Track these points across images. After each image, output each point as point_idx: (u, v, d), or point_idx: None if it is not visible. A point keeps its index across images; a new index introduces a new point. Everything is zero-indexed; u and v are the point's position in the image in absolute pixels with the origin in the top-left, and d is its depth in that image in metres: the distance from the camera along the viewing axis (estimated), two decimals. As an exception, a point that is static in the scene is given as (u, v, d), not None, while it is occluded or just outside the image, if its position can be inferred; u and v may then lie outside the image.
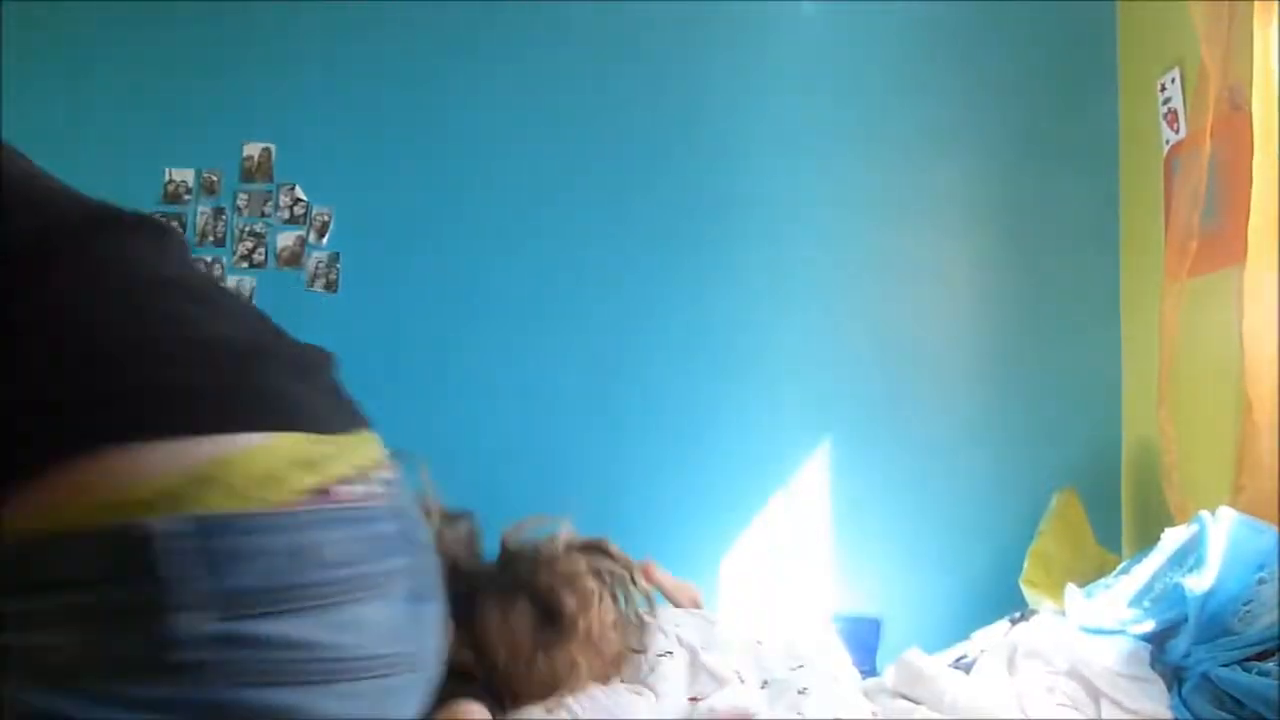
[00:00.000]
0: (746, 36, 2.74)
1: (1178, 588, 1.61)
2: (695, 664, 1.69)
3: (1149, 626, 1.63)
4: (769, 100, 2.72)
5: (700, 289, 2.67)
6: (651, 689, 1.61)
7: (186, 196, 2.72)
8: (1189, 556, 1.66)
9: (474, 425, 2.64)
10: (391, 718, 0.81)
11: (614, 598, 1.63)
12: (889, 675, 1.75)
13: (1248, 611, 1.53)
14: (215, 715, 0.71)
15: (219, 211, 2.72)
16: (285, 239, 2.71)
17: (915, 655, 1.74)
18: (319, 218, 2.71)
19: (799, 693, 1.63)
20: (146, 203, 2.71)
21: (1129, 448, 2.56)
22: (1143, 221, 2.53)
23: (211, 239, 2.71)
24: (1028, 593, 2.22)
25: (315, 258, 2.70)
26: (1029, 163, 2.68)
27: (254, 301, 2.68)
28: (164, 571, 0.69)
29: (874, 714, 1.62)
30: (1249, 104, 1.94)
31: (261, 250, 2.71)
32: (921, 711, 1.62)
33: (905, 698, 1.70)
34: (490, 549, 1.76)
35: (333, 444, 0.81)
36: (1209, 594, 1.56)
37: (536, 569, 1.61)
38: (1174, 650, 1.58)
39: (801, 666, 1.74)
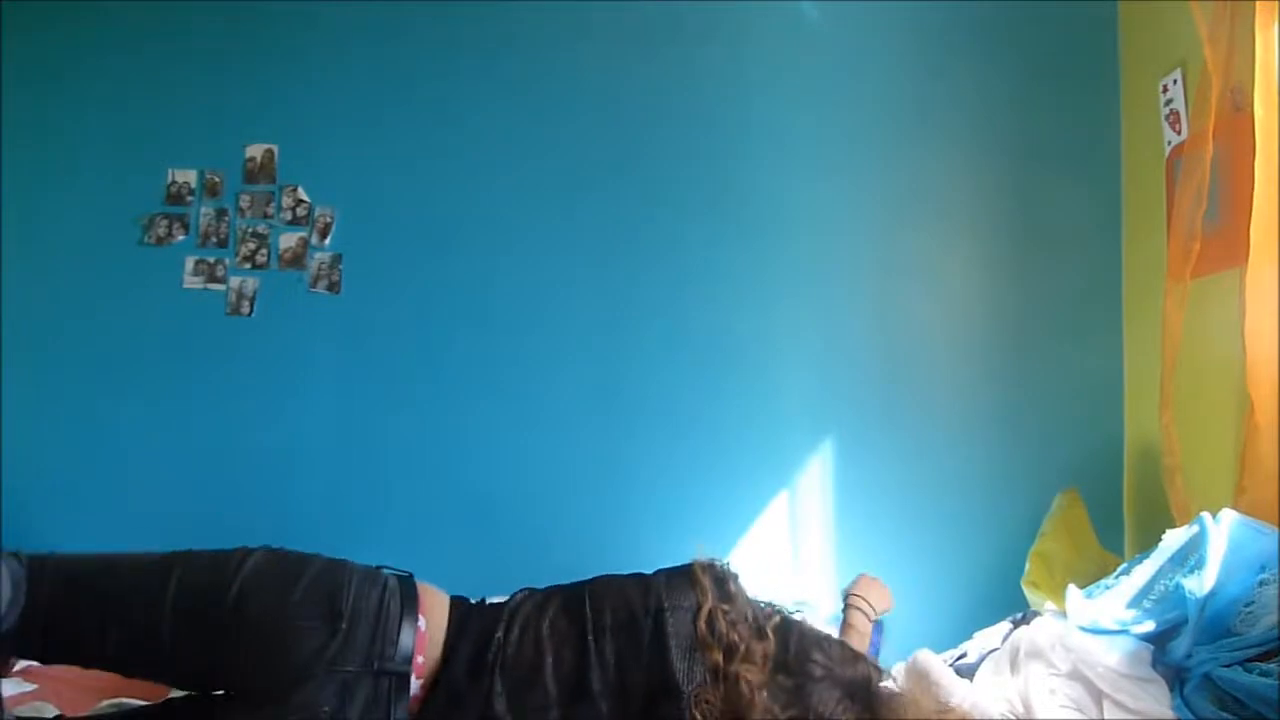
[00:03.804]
0: (749, 39, 2.74)
1: (1178, 588, 1.61)
2: None
3: (1149, 627, 1.63)
4: (772, 102, 2.72)
5: (703, 290, 2.67)
6: None
7: (189, 197, 2.73)
8: (1189, 557, 1.66)
9: (475, 426, 2.64)
10: None
11: None
12: (898, 674, 1.75)
13: (1249, 613, 1.53)
14: None
15: (222, 213, 2.72)
16: (288, 240, 2.71)
17: (925, 655, 1.74)
18: (321, 219, 2.71)
19: None
20: (149, 203, 2.72)
21: (1131, 448, 2.56)
22: (1145, 222, 2.53)
23: (214, 240, 2.71)
24: (1029, 593, 2.22)
25: (318, 259, 2.71)
26: (1031, 163, 2.68)
27: (257, 302, 2.69)
28: None
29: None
30: (1251, 105, 1.94)
31: (264, 251, 2.71)
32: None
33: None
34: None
35: None
36: (1210, 595, 1.56)
37: None
38: (1175, 651, 1.58)
39: None
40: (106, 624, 1.40)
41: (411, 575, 1.54)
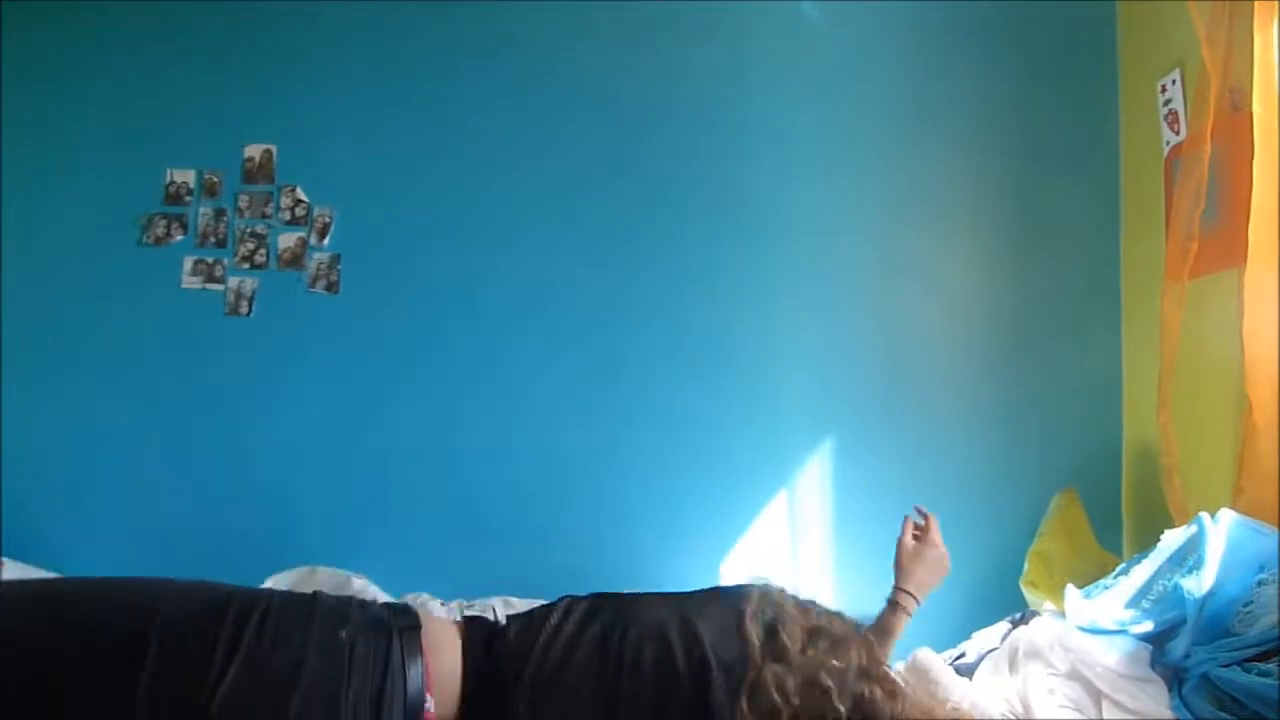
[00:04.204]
0: (749, 39, 2.74)
1: (1177, 588, 1.61)
2: None
3: (1148, 627, 1.63)
4: (772, 102, 2.72)
5: (703, 290, 2.67)
6: None
7: (188, 197, 2.73)
8: (1188, 557, 1.67)
9: (474, 426, 2.64)
10: None
11: None
12: (899, 671, 1.75)
13: (1248, 613, 1.53)
14: None
15: (220, 213, 2.72)
16: (286, 240, 2.71)
17: (925, 654, 1.74)
18: (320, 219, 2.72)
19: None
20: (148, 203, 2.72)
21: (1129, 448, 2.56)
22: (1144, 222, 2.53)
23: (213, 240, 2.71)
24: (1028, 593, 2.22)
25: (316, 259, 2.71)
26: (1030, 163, 2.69)
27: (256, 303, 2.69)
28: None
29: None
30: (1249, 105, 1.94)
31: (263, 251, 2.71)
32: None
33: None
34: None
35: None
36: (1209, 595, 1.57)
37: None
38: (1174, 651, 1.58)
39: None
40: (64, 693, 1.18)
41: (418, 627, 1.35)
